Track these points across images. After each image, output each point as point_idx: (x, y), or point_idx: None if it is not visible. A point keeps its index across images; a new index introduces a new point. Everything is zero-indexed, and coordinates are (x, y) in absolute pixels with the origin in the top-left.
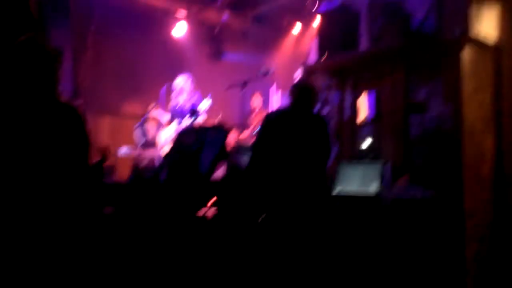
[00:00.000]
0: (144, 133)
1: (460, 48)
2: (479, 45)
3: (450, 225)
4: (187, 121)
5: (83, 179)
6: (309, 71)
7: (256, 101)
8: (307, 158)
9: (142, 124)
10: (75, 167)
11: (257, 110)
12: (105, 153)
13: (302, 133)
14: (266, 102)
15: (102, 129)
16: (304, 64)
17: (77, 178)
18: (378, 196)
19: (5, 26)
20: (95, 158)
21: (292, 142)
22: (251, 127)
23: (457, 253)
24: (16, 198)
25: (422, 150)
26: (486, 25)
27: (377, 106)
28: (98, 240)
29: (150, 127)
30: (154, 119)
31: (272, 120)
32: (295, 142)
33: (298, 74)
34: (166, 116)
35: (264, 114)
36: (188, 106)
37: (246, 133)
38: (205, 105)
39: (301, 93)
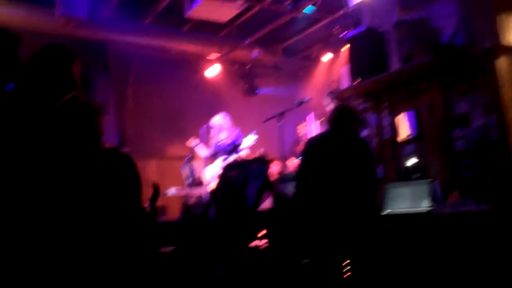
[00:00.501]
0: (191, 172)
1: (493, 58)
2: None
3: (509, 235)
4: (230, 157)
5: (139, 221)
6: (342, 97)
7: (302, 129)
8: (352, 181)
9: (188, 163)
10: (129, 211)
11: (304, 138)
12: (156, 190)
13: (344, 156)
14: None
15: (149, 173)
16: (332, 91)
17: (133, 221)
18: (431, 212)
19: (48, 88)
20: (147, 196)
21: (335, 165)
22: (299, 155)
23: None
24: (75, 248)
25: (470, 163)
26: None
27: (417, 124)
28: (158, 281)
29: (196, 165)
30: (199, 157)
31: (313, 146)
32: (338, 165)
33: (327, 102)
34: (208, 153)
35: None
36: (228, 142)
37: (293, 162)
38: (250, 140)
39: (340, 116)
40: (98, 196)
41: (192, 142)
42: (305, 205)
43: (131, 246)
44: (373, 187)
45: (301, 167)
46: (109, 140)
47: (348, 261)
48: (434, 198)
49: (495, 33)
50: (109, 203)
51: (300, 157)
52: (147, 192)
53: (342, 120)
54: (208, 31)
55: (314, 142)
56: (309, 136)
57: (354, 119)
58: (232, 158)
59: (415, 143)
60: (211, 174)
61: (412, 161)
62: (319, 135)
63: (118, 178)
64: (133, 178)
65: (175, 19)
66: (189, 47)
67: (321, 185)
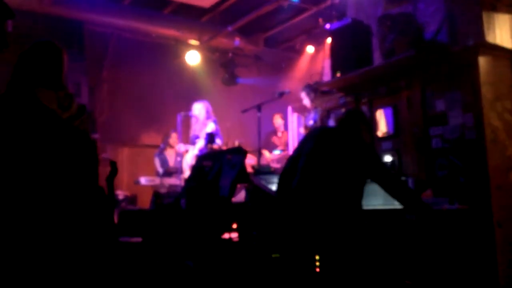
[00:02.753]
0: (163, 161)
1: (475, 56)
2: (495, 52)
3: (480, 235)
4: (204, 146)
5: (95, 199)
6: (323, 90)
7: (278, 121)
8: (343, 176)
9: (161, 153)
10: (85, 188)
11: (280, 130)
12: (114, 168)
13: (342, 151)
14: (284, 122)
15: (121, 160)
16: (307, 85)
17: (89, 199)
18: (404, 209)
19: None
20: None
21: (330, 156)
22: (277, 147)
23: (488, 263)
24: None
25: (445, 162)
26: (500, 33)
27: (396, 121)
28: (124, 270)
29: (169, 155)
30: (173, 147)
31: (313, 134)
32: (332, 157)
33: (303, 95)
34: (183, 144)
35: (286, 134)
36: (204, 132)
37: (269, 154)
38: (209, 128)
39: (349, 117)
40: (54, 172)
41: (170, 134)
42: (286, 192)
43: (88, 224)
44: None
45: (296, 151)
46: None
47: (322, 255)
48: None
49: (478, 31)
50: (65, 178)
51: (279, 148)
52: (119, 180)
53: (349, 121)
54: (189, 16)
55: (315, 131)
56: (288, 128)
57: (363, 124)
58: (199, 146)
59: (392, 139)
60: (186, 163)
61: (388, 158)
62: (323, 127)
63: (75, 156)
64: (91, 158)
65: (156, 1)
66: (169, 31)
67: (308, 171)
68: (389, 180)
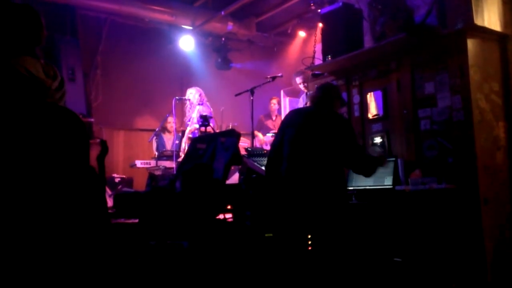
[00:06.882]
0: (159, 145)
1: (464, 39)
2: (483, 34)
3: (466, 212)
4: (198, 129)
5: (86, 179)
6: (314, 73)
7: (274, 106)
8: (327, 157)
9: (156, 136)
10: (76, 169)
11: (274, 114)
12: (104, 147)
13: (322, 132)
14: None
15: (117, 144)
16: (299, 71)
17: (80, 180)
18: (394, 189)
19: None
20: (113, 168)
21: (312, 140)
22: (270, 131)
23: (475, 238)
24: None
25: (433, 143)
26: (489, 15)
27: (385, 103)
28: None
29: (165, 138)
30: (168, 130)
31: (292, 119)
32: (314, 140)
33: (299, 80)
34: (179, 127)
35: (280, 118)
36: (199, 115)
37: (262, 137)
38: (201, 111)
39: (323, 95)
40: (43, 152)
41: (165, 118)
42: (276, 177)
43: (79, 204)
44: (357, 163)
45: (277, 139)
46: (76, 109)
47: (314, 234)
48: (397, 176)
49: (467, 14)
50: (54, 159)
51: (273, 131)
52: (115, 164)
53: (324, 98)
54: (182, 1)
55: (294, 116)
56: (281, 112)
57: (336, 98)
58: (190, 129)
59: (382, 121)
60: (180, 146)
61: (378, 139)
62: (299, 110)
63: (63, 135)
64: (80, 137)
65: None
66: (162, 16)
67: (295, 158)
68: (357, 156)
